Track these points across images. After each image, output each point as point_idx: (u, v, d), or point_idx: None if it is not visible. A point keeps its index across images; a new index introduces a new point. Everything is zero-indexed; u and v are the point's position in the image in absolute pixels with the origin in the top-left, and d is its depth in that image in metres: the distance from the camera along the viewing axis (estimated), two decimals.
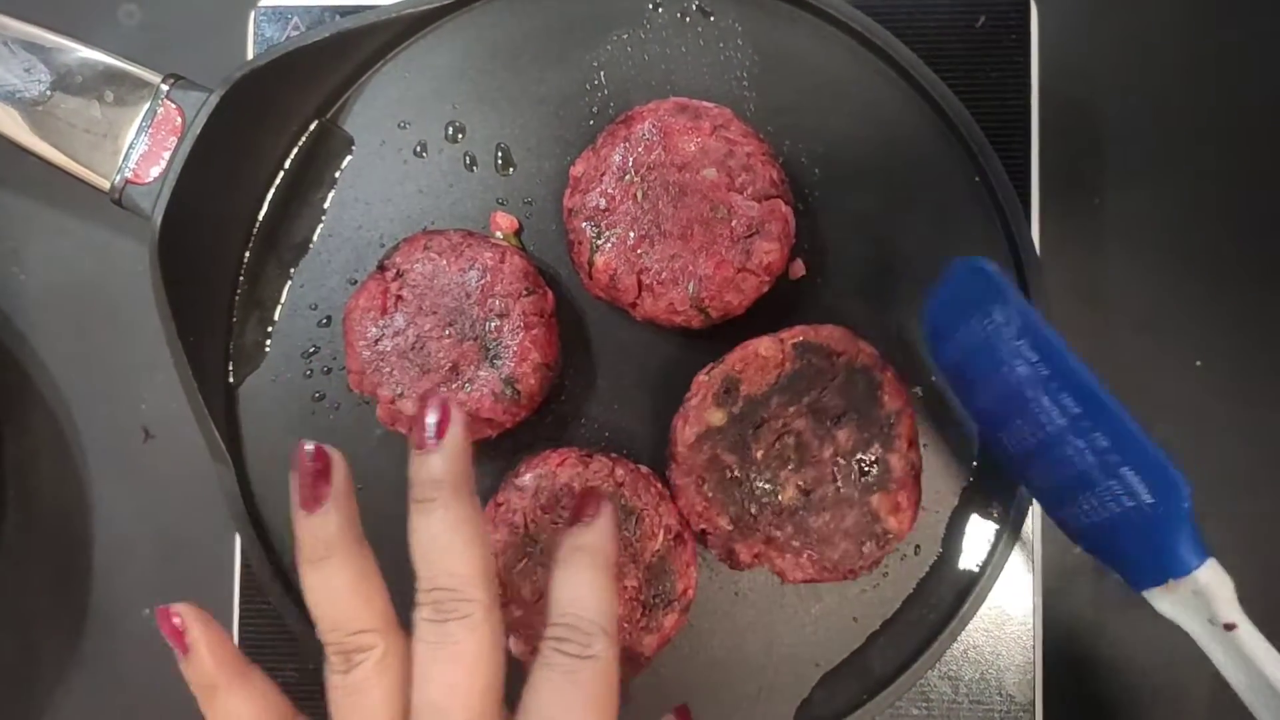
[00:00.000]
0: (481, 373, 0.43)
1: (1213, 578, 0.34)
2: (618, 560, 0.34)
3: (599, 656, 0.32)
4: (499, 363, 0.43)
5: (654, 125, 0.43)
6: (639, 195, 0.43)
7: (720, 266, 0.43)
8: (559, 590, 0.34)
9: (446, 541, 0.32)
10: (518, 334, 0.43)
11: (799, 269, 0.47)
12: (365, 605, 0.32)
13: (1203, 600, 0.34)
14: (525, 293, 0.43)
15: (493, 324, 0.43)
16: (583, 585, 0.34)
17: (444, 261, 0.44)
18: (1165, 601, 0.36)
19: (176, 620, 0.33)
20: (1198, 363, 0.50)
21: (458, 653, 0.31)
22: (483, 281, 0.43)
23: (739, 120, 0.44)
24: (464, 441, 0.33)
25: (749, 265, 0.43)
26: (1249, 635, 0.34)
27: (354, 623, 0.32)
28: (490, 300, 0.43)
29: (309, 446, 0.32)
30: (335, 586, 0.32)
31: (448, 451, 0.32)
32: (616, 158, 0.43)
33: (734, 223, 0.43)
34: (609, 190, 0.43)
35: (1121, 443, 0.34)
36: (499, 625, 0.32)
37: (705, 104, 0.44)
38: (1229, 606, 0.34)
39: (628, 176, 0.43)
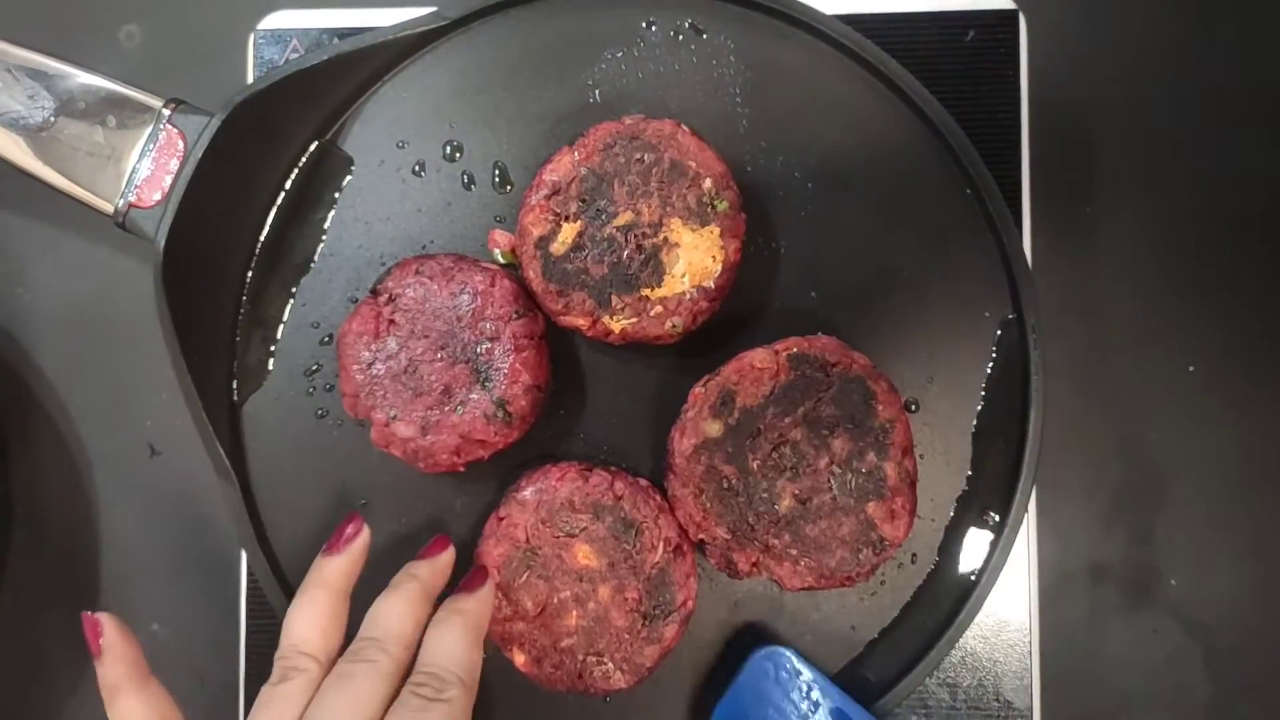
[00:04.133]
0: (473, 395, 0.43)
1: None
2: (486, 629, 0.41)
3: (450, 701, 0.36)
4: (490, 385, 0.43)
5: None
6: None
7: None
8: (429, 644, 0.38)
9: (398, 611, 0.39)
10: (508, 356, 0.43)
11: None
12: (321, 636, 0.38)
13: None
14: (515, 315, 0.44)
15: (483, 347, 0.43)
16: (450, 641, 0.38)
17: (435, 285, 0.44)
18: None
19: (96, 626, 0.37)
20: (1190, 368, 0.50)
21: (354, 690, 0.36)
22: (473, 305, 0.43)
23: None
24: (451, 558, 0.42)
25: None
26: None
27: (305, 645, 0.38)
28: (481, 323, 0.43)
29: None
30: (310, 614, 0.39)
31: (437, 565, 0.41)
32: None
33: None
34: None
35: None
36: (399, 683, 0.37)
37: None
38: None
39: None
